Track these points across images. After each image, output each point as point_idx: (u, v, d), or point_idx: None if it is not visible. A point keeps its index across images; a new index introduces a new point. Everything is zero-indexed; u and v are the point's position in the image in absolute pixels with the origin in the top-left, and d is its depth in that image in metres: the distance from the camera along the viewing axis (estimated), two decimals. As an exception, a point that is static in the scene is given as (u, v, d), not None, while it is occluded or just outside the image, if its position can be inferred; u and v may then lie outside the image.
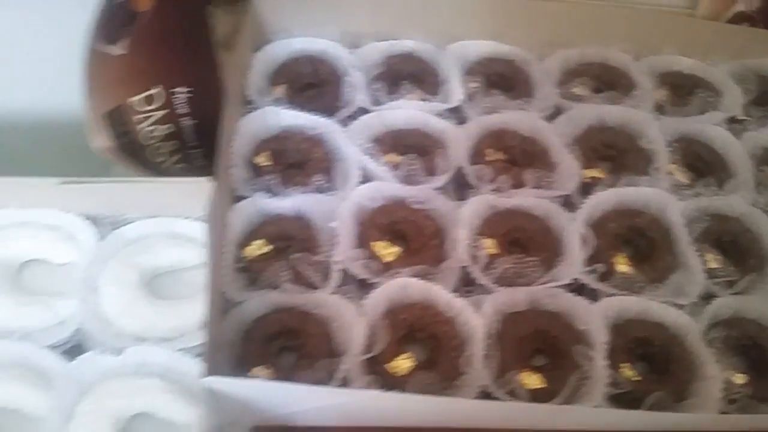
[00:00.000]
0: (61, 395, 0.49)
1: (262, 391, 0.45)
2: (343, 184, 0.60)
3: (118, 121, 0.54)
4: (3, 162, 0.51)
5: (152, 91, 0.54)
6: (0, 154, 0.60)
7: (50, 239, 0.57)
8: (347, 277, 0.56)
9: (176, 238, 0.58)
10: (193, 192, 0.55)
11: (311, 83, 0.68)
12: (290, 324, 0.54)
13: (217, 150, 0.57)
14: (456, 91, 0.68)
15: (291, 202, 0.59)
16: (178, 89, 0.56)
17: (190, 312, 0.55)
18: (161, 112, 0.56)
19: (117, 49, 0.50)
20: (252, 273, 0.56)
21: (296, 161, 0.62)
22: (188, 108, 0.58)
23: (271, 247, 0.57)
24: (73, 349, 0.53)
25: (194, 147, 0.62)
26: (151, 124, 0.57)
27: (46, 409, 0.49)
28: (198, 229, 0.58)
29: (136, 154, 0.58)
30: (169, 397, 0.51)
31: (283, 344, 0.54)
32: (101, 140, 0.54)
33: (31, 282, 0.57)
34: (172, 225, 0.58)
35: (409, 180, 0.61)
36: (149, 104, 0.55)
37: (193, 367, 0.52)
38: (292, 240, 0.58)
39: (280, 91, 0.66)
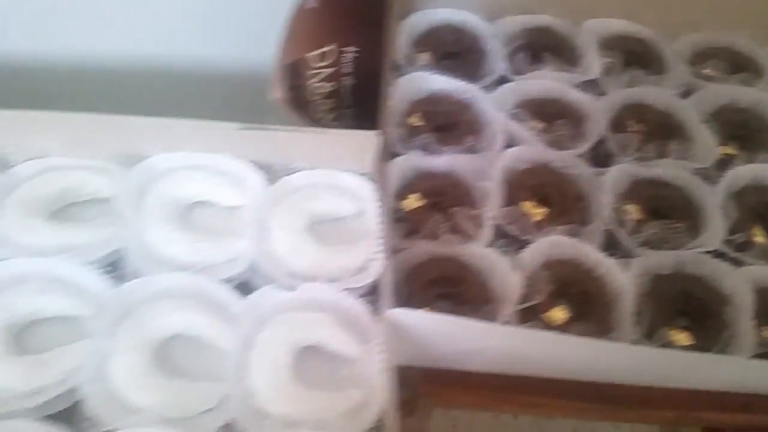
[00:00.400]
0: (243, 325, 0.53)
1: (445, 326, 0.48)
2: (491, 146, 0.63)
3: (294, 74, 0.58)
4: (190, 108, 0.55)
5: (327, 48, 0.57)
6: (189, 100, 0.63)
7: (221, 183, 0.60)
8: (499, 233, 0.59)
9: (338, 188, 0.61)
10: (359, 145, 0.58)
11: (453, 51, 0.71)
12: (448, 272, 0.57)
13: (377, 109, 0.61)
14: (593, 64, 0.71)
15: (443, 160, 0.62)
16: (347, 48, 0.59)
17: (352, 257, 0.58)
18: (329, 70, 0.60)
19: (311, 2, 0.53)
20: (409, 223, 0.59)
21: (446, 123, 0.65)
22: (352, 68, 0.61)
23: (425, 201, 0.60)
24: (243, 285, 0.57)
25: (348, 107, 0.65)
26: (319, 81, 0.60)
27: (226, 337, 0.53)
28: (357, 182, 0.61)
29: (302, 109, 0.61)
30: (338, 331, 0.54)
31: (440, 291, 0.57)
32: (278, 91, 0.58)
33: (199, 222, 0.60)
34: (335, 176, 0.61)
35: (553, 145, 0.64)
36: (322, 60, 0.58)
37: (359, 305, 0.56)
38: (444, 196, 0.61)
39: (424, 57, 0.69)
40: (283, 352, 0.53)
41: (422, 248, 0.57)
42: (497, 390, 0.53)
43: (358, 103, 0.64)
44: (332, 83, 0.61)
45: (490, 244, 0.58)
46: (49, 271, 0.54)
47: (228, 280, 0.56)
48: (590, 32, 0.74)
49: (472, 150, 0.63)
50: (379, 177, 0.57)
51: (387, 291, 0.49)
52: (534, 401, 0.54)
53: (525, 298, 0.55)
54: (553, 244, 0.57)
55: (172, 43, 0.63)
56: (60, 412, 0.49)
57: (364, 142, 0.58)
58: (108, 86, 0.65)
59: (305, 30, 0.55)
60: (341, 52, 0.59)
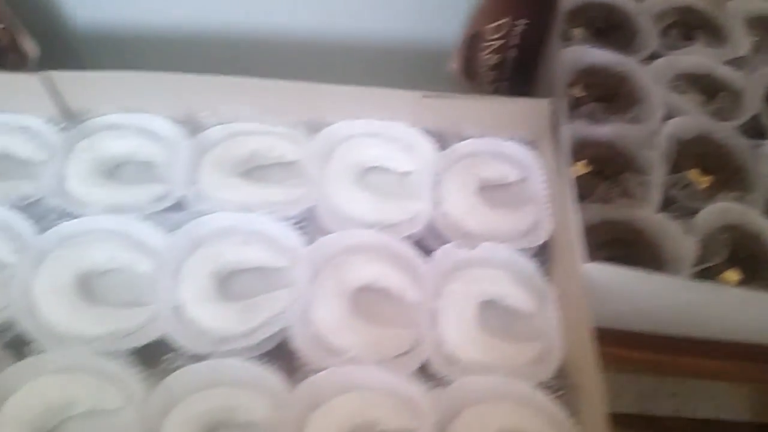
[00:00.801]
0: (428, 279, 0.57)
1: (637, 280, 0.51)
2: (652, 116, 0.65)
3: (471, 46, 0.61)
4: (371, 78, 0.59)
5: (502, 21, 0.60)
6: (371, 71, 0.67)
7: (395, 149, 0.64)
8: (667, 200, 0.61)
9: (503, 155, 0.64)
10: (529, 112, 0.61)
11: (604, 27, 0.73)
12: (620, 236, 0.59)
13: (532, 81, 0.63)
14: (741, 42, 0.72)
15: (607, 129, 0.64)
16: (518, 21, 0.61)
17: (521, 220, 0.61)
18: (499, 42, 0.63)
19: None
20: (578, 189, 0.61)
21: (606, 94, 0.67)
22: (518, 40, 0.63)
23: (591, 168, 0.63)
24: (419, 243, 0.61)
25: (506, 79, 0.68)
26: (489, 53, 0.63)
27: (412, 289, 0.57)
28: (521, 149, 0.64)
29: (472, 80, 0.64)
30: (515, 287, 0.57)
31: (613, 254, 0.59)
32: (455, 62, 0.61)
33: (376, 185, 0.64)
34: (500, 145, 0.64)
35: (712, 118, 0.66)
36: (496, 33, 0.61)
37: (531, 264, 0.59)
38: (609, 163, 0.63)
39: (578, 32, 0.72)
40: (468, 304, 0.56)
41: (594, 212, 0.60)
42: (675, 352, 0.56)
43: (515, 75, 0.67)
44: (499, 55, 0.64)
45: (660, 210, 0.60)
46: (250, 225, 0.59)
47: (407, 238, 0.60)
48: (735, 12, 0.75)
49: (634, 120, 0.65)
50: (550, 144, 0.59)
51: (580, 246, 0.52)
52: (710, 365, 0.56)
53: (700, 260, 0.57)
54: (723, 210, 0.59)
55: (360, 15, 0.67)
56: (269, 351, 0.54)
57: (534, 110, 0.61)
58: (297, 55, 0.69)
59: (488, 3, 0.58)
60: (513, 25, 0.61)
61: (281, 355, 0.54)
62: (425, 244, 0.61)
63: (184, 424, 0.49)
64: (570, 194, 0.56)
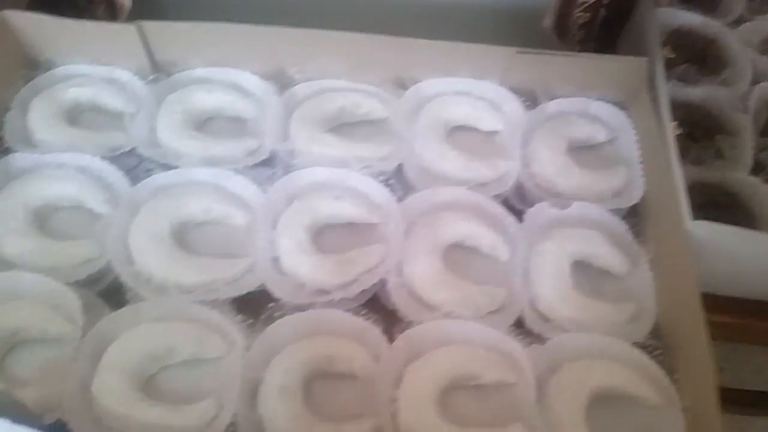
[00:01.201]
0: (521, 237, 0.57)
1: (746, 240, 0.50)
2: (741, 79, 0.64)
3: (567, 3, 0.60)
4: (462, 35, 0.58)
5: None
6: (462, 27, 0.66)
7: (483, 108, 0.64)
8: (758, 163, 0.60)
9: (591, 116, 0.64)
10: (622, 71, 0.60)
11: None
12: (713, 197, 0.59)
13: (617, 43, 0.62)
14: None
15: (698, 91, 0.63)
16: (615, -25, 0.61)
17: (612, 180, 0.60)
18: (591, 0, 0.62)
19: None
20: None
21: (695, 56, 0.66)
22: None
23: (682, 129, 0.62)
24: (507, 202, 0.60)
25: (593, 39, 0.67)
26: (582, 11, 0.62)
27: (502, 247, 0.57)
28: (609, 110, 0.64)
29: (563, 38, 0.64)
30: (608, 247, 0.57)
31: (706, 216, 0.59)
32: (549, 19, 0.61)
33: (463, 143, 0.63)
34: (589, 105, 0.64)
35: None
36: (592, -10, 0.60)
37: (623, 225, 0.58)
38: (700, 125, 0.63)
39: (664, -3, 0.71)
40: (561, 263, 0.56)
41: (687, 174, 0.59)
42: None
43: (602, 35, 0.66)
44: (589, 14, 0.63)
45: (753, 172, 0.59)
46: (343, 181, 0.59)
47: (496, 197, 0.60)
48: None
49: (724, 83, 0.64)
50: (643, 104, 0.59)
51: (684, 204, 0.52)
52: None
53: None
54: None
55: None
56: (366, 304, 0.54)
57: (628, 68, 0.60)
58: (387, 10, 0.68)
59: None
60: (608, -19, 0.61)
61: (378, 308, 0.54)
62: (513, 203, 0.61)
63: (286, 373, 0.49)
64: (671, 154, 0.55)
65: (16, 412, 0.39)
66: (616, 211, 0.59)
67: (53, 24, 0.61)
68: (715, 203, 0.58)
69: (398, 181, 0.60)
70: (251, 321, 0.52)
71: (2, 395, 0.47)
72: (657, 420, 0.50)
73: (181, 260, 0.54)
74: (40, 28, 0.61)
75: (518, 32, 0.64)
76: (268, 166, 0.60)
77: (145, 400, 0.48)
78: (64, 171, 0.57)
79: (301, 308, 0.52)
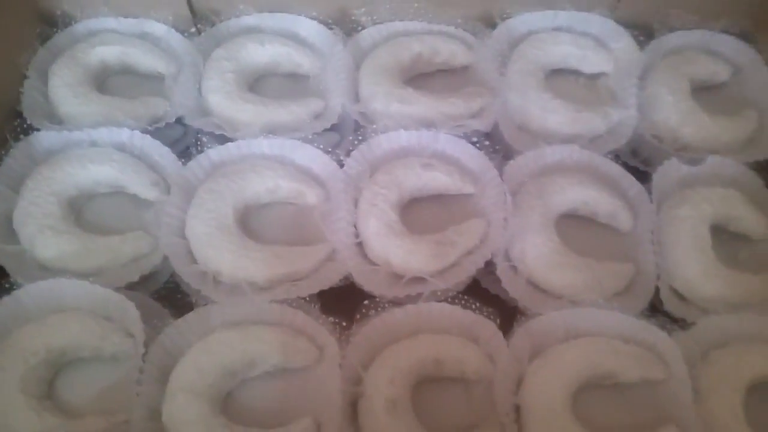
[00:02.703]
0: (646, 202, 0.48)
1: None
2: None
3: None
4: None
5: None
6: None
7: (586, 46, 0.54)
8: None
9: (714, 52, 0.54)
10: None
11: None
12: None
13: None
14: None
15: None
16: None
17: (743, 126, 0.52)
18: None
19: None
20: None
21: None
22: None
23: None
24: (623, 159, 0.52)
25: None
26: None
27: (624, 214, 0.48)
28: (733, 43, 0.54)
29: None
30: (747, 208, 0.49)
31: None
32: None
33: (563, 89, 0.54)
34: (711, 38, 0.54)
35: None
36: None
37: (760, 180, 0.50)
38: None
39: None
40: (702, 231, 0.48)
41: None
42: None
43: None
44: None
45: None
46: (428, 145, 0.50)
47: (610, 154, 0.51)
48: None
49: None
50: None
51: None
52: None
53: None
54: None
55: None
56: (471, 293, 0.46)
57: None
58: None
59: None
60: None
61: (487, 298, 0.46)
62: (628, 160, 0.52)
63: (391, 384, 0.41)
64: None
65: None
66: (750, 165, 0.50)
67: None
68: None
69: (493, 142, 0.51)
70: (342, 321, 0.44)
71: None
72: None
73: (251, 251, 0.45)
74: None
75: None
76: (336, 131, 0.51)
77: (228, 427, 0.40)
78: (98, 151, 0.49)
79: (397, 302, 0.44)
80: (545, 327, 0.44)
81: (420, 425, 0.41)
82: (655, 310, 0.46)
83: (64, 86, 0.51)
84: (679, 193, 0.49)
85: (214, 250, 0.45)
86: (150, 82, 0.53)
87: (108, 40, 0.53)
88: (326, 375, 0.42)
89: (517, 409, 0.42)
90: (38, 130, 0.49)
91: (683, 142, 0.51)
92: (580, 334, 0.44)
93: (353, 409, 0.42)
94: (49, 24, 0.54)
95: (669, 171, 0.49)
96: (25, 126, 0.49)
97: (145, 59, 0.53)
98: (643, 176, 0.50)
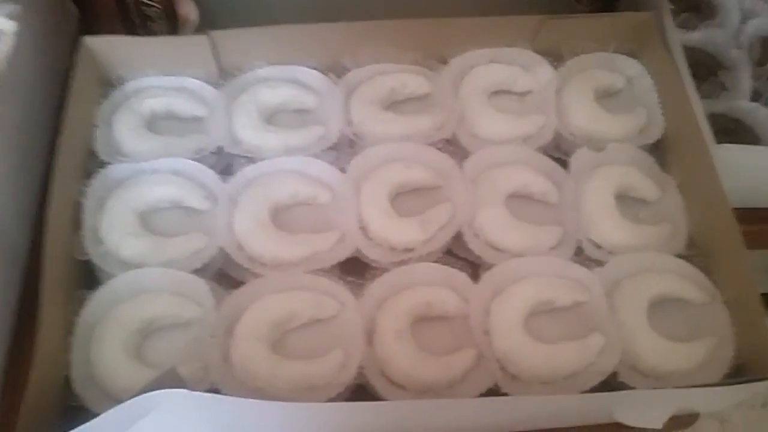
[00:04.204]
0: (566, 180, 0.65)
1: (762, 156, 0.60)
2: (732, 21, 0.74)
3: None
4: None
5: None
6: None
7: (516, 73, 0.72)
8: (756, 91, 0.70)
9: (609, 68, 0.72)
10: (633, 25, 0.69)
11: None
12: (722, 125, 0.68)
13: None
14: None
15: (697, 35, 0.73)
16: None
17: (635, 121, 0.69)
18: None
19: None
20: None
21: (690, 5, 0.75)
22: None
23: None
24: (546, 151, 0.69)
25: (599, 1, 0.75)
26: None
27: (551, 188, 0.66)
28: (624, 61, 0.72)
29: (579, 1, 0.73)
30: (641, 179, 0.66)
31: (720, 141, 0.68)
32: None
33: (501, 106, 0.71)
34: (606, 58, 0.73)
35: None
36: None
37: (650, 158, 0.68)
38: (702, 64, 0.72)
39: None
40: (608, 197, 0.65)
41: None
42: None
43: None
44: (596, -23, 0.71)
45: (753, 99, 0.69)
46: (407, 152, 0.66)
47: (539, 149, 0.68)
48: None
49: (718, 25, 0.73)
50: (657, 51, 0.68)
51: (708, 132, 0.61)
52: None
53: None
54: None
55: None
56: (447, 254, 0.63)
57: (638, 22, 0.69)
58: None
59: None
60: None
61: (459, 257, 0.63)
62: (552, 153, 0.70)
63: (397, 319, 0.57)
64: (688, 90, 0.64)
65: (177, 384, 0.44)
66: (643, 147, 0.68)
67: (124, 43, 0.67)
68: (724, 130, 0.68)
69: (454, 147, 0.68)
70: (358, 281, 0.60)
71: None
72: (705, 314, 0.60)
73: (283, 239, 0.61)
74: (113, 48, 0.67)
75: (530, 2, 0.72)
76: (336, 149, 0.68)
77: (282, 360, 0.56)
78: (160, 176, 0.64)
79: (395, 266, 0.61)
80: (501, 274, 0.60)
81: (419, 349, 0.57)
82: (579, 254, 0.63)
83: (126, 130, 0.66)
84: (590, 172, 0.66)
85: (256, 240, 0.61)
86: (190, 124, 0.69)
87: (155, 93, 0.68)
88: (348, 320, 0.58)
89: (487, 332, 0.58)
90: (110, 163, 0.64)
91: (591, 136, 0.68)
92: (527, 276, 0.60)
93: (369, 341, 0.58)
94: (106, 85, 0.69)
95: (582, 157, 0.66)
96: (100, 161, 0.64)
97: (185, 106, 0.69)
98: (564, 164, 0.67)
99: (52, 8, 0.71)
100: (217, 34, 0.67)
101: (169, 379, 0.49)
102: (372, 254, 0.61)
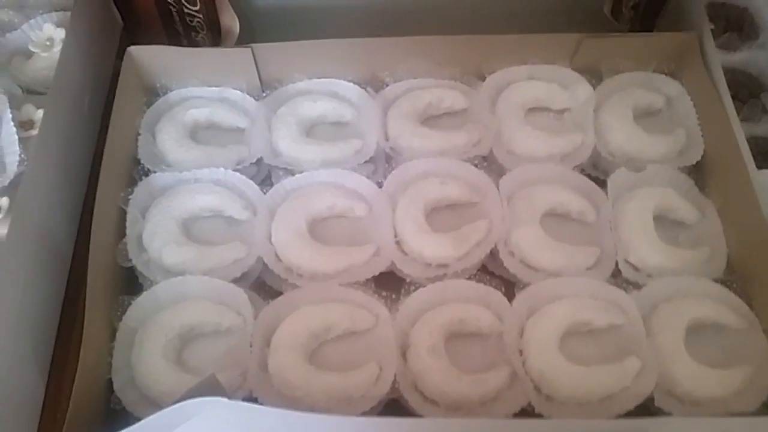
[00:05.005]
0: (603, 200, 0.65)
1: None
2: (776, 42, 0.73)
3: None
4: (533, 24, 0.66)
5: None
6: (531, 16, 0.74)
7: (553, 90, 0.72)
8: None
9: (648, 87, 0.72)
10: (675, 45, 0.69)
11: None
12: (765, 148, 0.68)
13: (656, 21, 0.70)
14: None
15: (739, 56, 0.72)
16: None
17: (675, 142, 0.69)
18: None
19: None
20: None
21: (731, 25, 0.75)
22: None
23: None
24: (585, 170, 0.69)
25: (639, 19, 0.75)
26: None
27: (588, 207, 0.66)
28: (663, 81, 0.72)
29: (617, 20, 0.72)
30: (680, 201, 0.65)
31: (762, 165, 0.67)
32: (607, 5, 0.69)
33: (538, 123, 0.71)
34: (647, 77, 0.72)
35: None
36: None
37: (689, 180, 0.67)
38: (744, 86, 0.71)
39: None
40: (646, 219, 0.64)
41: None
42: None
43: (645, 15, 0.74)
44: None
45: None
46: (444, 168, 0.67)
47: (576, 168, 0.68)
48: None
49: (761, 46, 0.72)
50: (697, 72, 0.67)
51: (749, 156, 0.60)
52: None
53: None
54: None
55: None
56: (482, 271, 0.64)
57: (680, 43, 0.69)
58: (460, 11, 0.76)
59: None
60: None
61: (494, 275, 0.63)
62: (589, 172, 0.70)
63: (430, 335, 0.58)
64: (729, 113, 0.64)
65: (217, 391, 0.44)
66: (682, 169, 0.68)
67: (169, 53, 0.69)
68: (765, 154, 0.67)
69: (490, 164, 0.68)
70: (392, 296, 0.60)
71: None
72: (742, 341, 0.59)
73: (320, 251, 0.62)
74: (158, 58, 0.69)
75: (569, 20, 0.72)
76: (373, 162, 0.68)
77: (318, 370, 0.57)
78: (202, 185, 0.65)
79: (430, 281, 0.61)
80: (537, 293, 0.60)
81: (452, 365, 0.58)
82: (616, 277, 0.62)
83: (169, 140, 0.68)
84: (628, 192, 0.66)
85: (294, 251, 0.62)
86: (232, 134, 0.70)
87: (198, 104, 0.70)
88: (382, 334, 0.59)
89: (521, 352, 0.58)
90: (154, 172, 0.65)
91: (630, 156, 0.68)
92: (563, 296, 0.60)
93: (402, 355, 0.58)
94: (150, 95, 0.71)
95: (620, 177, 0.66)
96: (144, 170, 0.66)
97: (228, 117, 0.70)
98: (602, 183, 0.67)
99: (97, 16, 0.73)
100: (259, 47, 0.68)
101: (209, 387, 0.50)
102: (407, 269, 0.62)
